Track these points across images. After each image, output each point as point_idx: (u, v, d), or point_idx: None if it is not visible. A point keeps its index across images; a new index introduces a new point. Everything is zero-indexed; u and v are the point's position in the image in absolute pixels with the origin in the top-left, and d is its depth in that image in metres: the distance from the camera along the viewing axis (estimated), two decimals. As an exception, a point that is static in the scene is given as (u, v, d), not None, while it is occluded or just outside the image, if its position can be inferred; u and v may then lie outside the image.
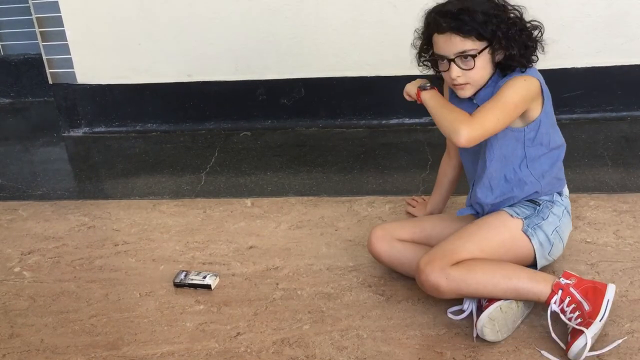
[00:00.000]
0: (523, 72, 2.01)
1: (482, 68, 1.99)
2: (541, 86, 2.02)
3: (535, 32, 2.03)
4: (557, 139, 2.13)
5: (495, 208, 2.13)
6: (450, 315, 2.07)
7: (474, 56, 1.96)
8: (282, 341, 2.04)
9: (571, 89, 3.35)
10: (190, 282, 2.34)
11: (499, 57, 1.99)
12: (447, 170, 2.47)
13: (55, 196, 3.15)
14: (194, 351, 2.03)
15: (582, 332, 1.83)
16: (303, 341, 2.03)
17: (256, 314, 2.18)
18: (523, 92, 1.98)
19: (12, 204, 3.08)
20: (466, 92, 2.04)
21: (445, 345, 1.96)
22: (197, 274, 2.37)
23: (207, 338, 2.09)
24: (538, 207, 2.09)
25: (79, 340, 2.13)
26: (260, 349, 2.02)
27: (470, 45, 1.95)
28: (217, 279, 2.36)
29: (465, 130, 1.89)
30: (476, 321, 1.96)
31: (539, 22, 2.04)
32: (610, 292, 1.92)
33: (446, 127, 1.96)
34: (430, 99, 2.07)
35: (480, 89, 2.05)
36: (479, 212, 2.19)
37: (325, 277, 2.34)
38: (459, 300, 2.06)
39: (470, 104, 2.06)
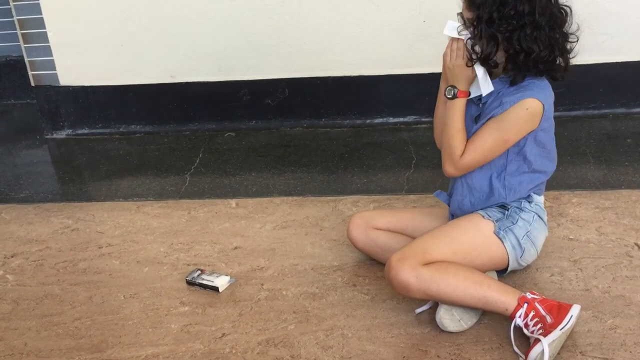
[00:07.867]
0: (532, 81, 1.97)
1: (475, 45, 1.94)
2: (544, 112, 1.96)
3: (559, 44, 1.96)
4: (546, 165, 2.09)
5: (468, 211, 2.14)
6: (416, 311, 2.08)
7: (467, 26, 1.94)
8: (267, 341, 2.04)
9: (553, 86, 3.36)
10: (200, 281, 2.33)
11: (501, 54, 1.93)
12: None
13: (39, 199, 3.13)
14: (178, 353, 2.03)
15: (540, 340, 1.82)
16: (288, 341, 2.03)
17: (241, 314, 2.18)
18: (519, 126, 1.95)
19: (-5, 207, 3.06)
20: None
21: (430, 343, 1.97)
22: (211, 274, 2.36)
23: (192, 339, 2.08)
24: (507, 212, 2.08)
25: (62, 343, 2.12)
26: (246, 349, 2.02)
27: (468, 14, 1.94)
28: (229, 281, 2.32)
29: (449, 170, 2.07)
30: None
31: (576, 35, 1.99)
32: (575, 310, 1.90)
33: (442, 152, 2.08)
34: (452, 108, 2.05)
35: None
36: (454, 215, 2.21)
37: (310, 277, 2.34)
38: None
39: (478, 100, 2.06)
